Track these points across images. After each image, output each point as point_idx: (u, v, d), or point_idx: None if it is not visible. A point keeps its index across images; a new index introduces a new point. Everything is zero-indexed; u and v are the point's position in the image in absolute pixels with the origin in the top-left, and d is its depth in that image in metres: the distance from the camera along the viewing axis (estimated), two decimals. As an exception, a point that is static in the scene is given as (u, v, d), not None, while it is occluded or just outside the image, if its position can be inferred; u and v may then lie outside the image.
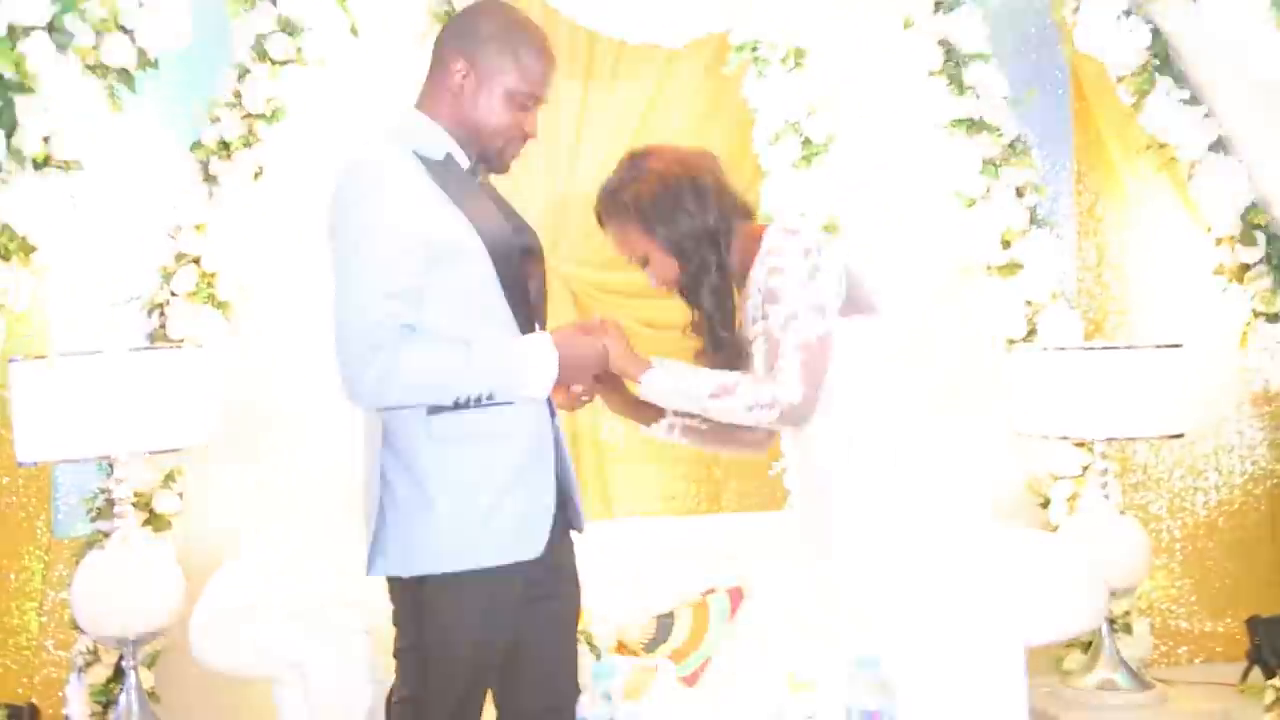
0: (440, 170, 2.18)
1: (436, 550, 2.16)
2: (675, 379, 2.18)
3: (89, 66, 3.04)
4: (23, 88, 2.82)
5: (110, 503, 3.32)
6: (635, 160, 2.32)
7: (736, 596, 3.29)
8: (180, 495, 3.50)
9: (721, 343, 2.28)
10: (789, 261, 2.15)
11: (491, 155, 2.25)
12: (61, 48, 2.84)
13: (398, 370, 2.07)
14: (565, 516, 2.31)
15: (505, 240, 2.20)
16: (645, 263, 2.29)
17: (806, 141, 3.88)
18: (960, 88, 3.59)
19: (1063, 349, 3.47)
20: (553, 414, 2.29)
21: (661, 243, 2.24)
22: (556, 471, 2.25)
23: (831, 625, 2.35)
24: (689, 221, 2.22)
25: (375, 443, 2.23)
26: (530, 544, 2.19)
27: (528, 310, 2.24)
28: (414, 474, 2.17)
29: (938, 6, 3.58)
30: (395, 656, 2.29)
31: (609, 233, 2.32)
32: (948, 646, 2.43)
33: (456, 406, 2.12)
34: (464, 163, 2.23)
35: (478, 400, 2.12)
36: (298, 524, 3.49)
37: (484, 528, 2.16)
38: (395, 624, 2.29)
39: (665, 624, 3.24)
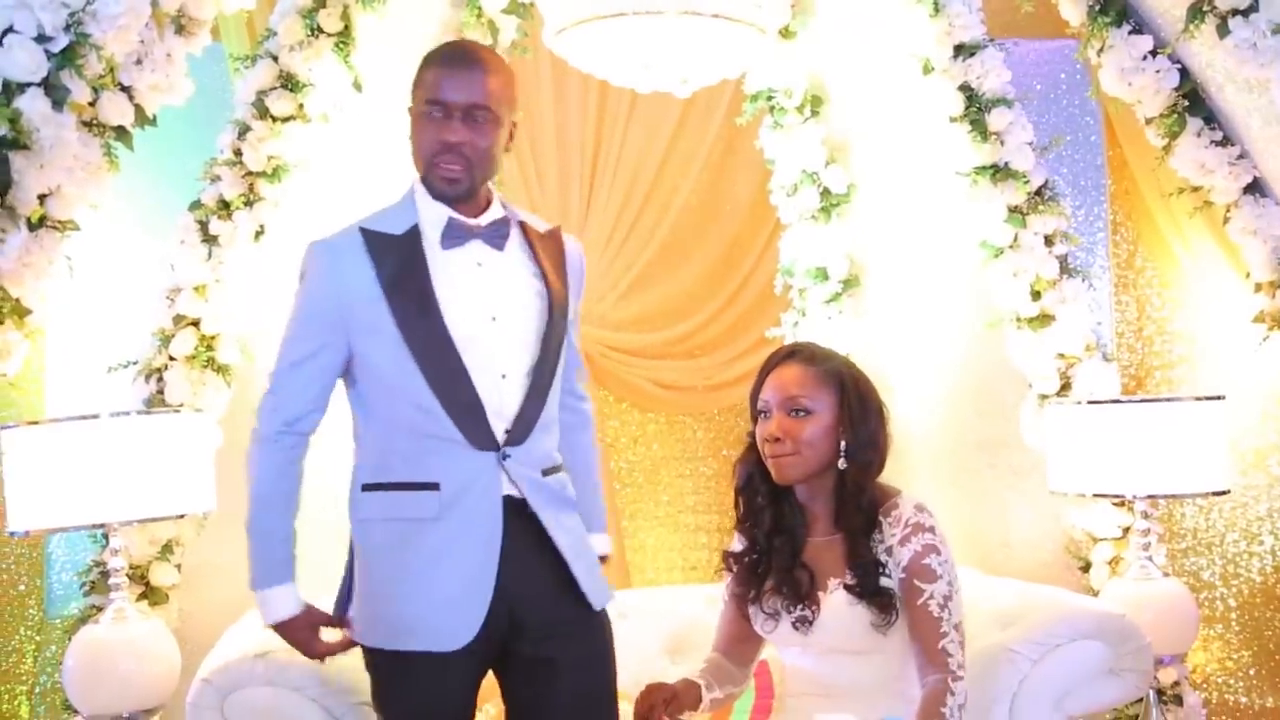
0: (390, 246, 2.29)
1: (364, 619, 2.34)
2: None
3: (85, 123, 3.09)
4: (18, 144, 2.87)
5: (105, 575, 3.31)
6: (826, 350, 2.52)
7: (763, 671, 3.25)
8: (178, 567, 3.51)
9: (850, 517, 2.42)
10: (941, 543, 2.37)
11: (432, 182, 2.33)
12: (58, 104, 2.89)
13: (252, 454, 2.37)
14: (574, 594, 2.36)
15: (430, 333, 2.26)
16: (802, 411, 2.40)
17: (825, 192, 3.95)
18: (983, 134, 3.59)
19: (1097, 402, 3.45)
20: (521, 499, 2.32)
21: (841, 419, 2.40)
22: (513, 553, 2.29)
23: (860, 693, 2.39)
24: (873, 425, 2.42)
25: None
26: (450, 635, 2.24)
27: (468, 409, 2.27)
28: (359, 551, 2.37)
29: (958, 51, 3.59)
30: None
31: (789, 371, 2.43)
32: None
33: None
34: (436, 230, 2.31)
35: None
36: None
37: (399, 611, 2.26)
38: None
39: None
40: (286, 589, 2.38)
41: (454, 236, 2.31)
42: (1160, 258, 4.23)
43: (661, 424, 4.52)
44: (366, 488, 2.34)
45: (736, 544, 2.55)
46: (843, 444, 2.39)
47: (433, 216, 2.31)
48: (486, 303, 2.29)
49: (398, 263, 2.26)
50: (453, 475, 2.26)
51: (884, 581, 2.35)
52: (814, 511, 2.46)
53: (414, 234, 2.29)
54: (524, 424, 2.31)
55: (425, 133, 2.30)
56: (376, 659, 2.37)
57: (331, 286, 2.29)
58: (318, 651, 2.43)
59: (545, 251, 2.39)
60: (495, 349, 2.29)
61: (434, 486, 2.26)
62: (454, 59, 2.32)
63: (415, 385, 2.25)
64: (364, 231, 2.31)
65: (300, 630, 2.41)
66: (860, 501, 2.39)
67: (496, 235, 2.34)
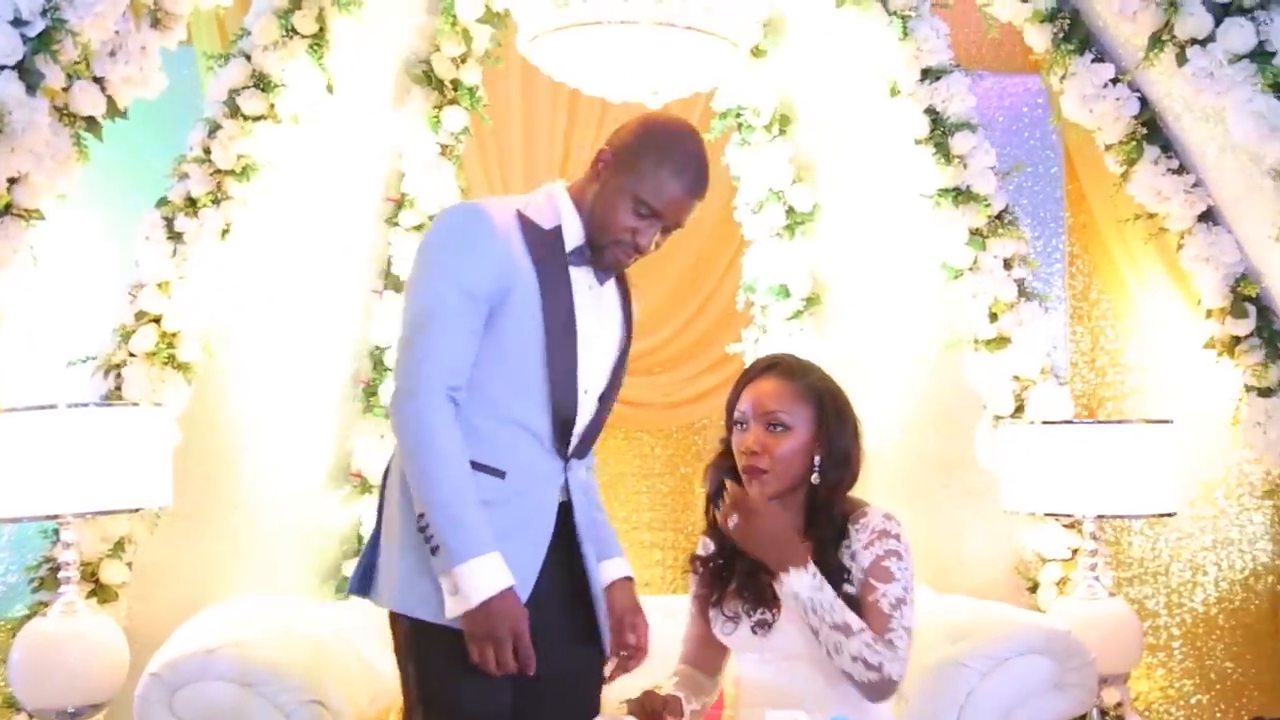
0: (541, 239, 2.29)
1: (421, 593, 2.22)
2: (816, 589, 2.33)
3: (56, 109, 3.10)
4: (-11, 125, 2.87)
5: (54, 570, 3.28)
6: (806, 363, 2.55)
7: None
8: (129, 565, 3.49)
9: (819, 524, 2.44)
10: (904, 551, 2.40)
11: (598, 249, 2.34)
12: (31, 89, 2.90)
13: (420, 415, 2.17)
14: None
15: (565, 333, 2.27)
16: (780, 426, 2.42)
17: (790, 210, 4.00)
18: (947, 157, 3.65)
19: (1050, 423, 3.50)
20: (571, 502, 2.36)
21: (818, 435, 2.43)
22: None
23: (815, 703, 2.39)
24: (848, 442, 2.45)
25: (384, 473, 2.36)
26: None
27: (567, 413, 2.30)
28: (401, 519, 2.25)
29: (925, 75, 3.67)
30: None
31: (768, 384, 2.46)
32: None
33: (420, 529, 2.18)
34: (571, 243, 2.33)
35: (425, 537, 2.17)
36: (253, 591, 3.50)
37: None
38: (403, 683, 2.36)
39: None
40: (495, 557, 2.15)
41: (580, 255, 2.35)
42: (1115, 290, 4.32)
43: (620, 440, 4.52)
44: None
45: (702, 548, 2.58)
46: (817, 459, 2.43)
47: (571, 231, 2.35)
48: (595, 322, 2.36)
49: (548, 257, 2.29)
50: (523, 468, 2.28)
51: (847, 589, 2.37)
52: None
53: (558, 235, 2.33)
54: (587, 441, 2.40)
55: (625, 219, 2.31)
56: (440, 634, 2.21)
57: (496, 257, 2.25)
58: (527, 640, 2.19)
59: (623, 291, 2.49)
60: (590, 366, 2.35)
61: (500, 474, 2.26)
62: (694, 188, 2.34)
63: (533, 376, 2.27)
64: (520, 216, 2.32)
65: (518, 605, 2.18)
66: (831, 514, 2.42)
67: (603, 268, 2.41)
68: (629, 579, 2.48)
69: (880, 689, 2.30)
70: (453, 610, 2.16)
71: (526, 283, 2.26)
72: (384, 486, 2.37)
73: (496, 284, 2.24)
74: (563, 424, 2.31)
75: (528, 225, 2.30)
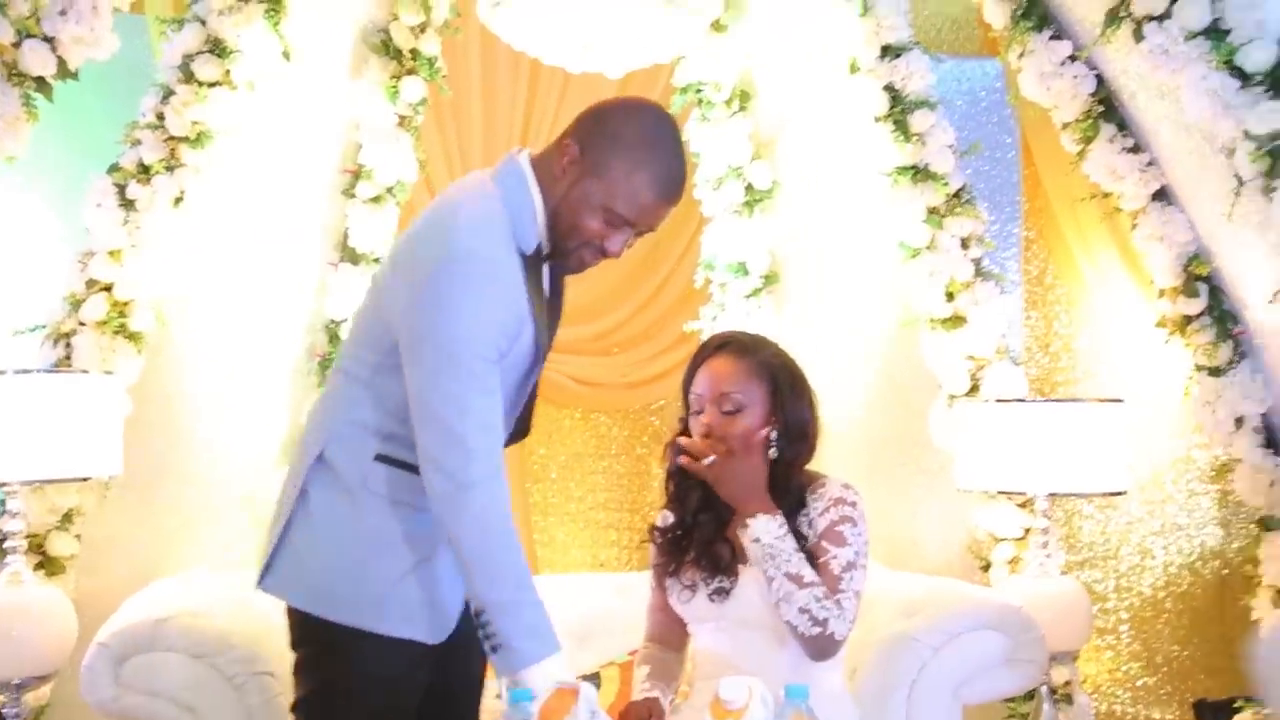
0: (529, 267, 2.13)
1: (323, 590, 2.14)
2: (778, 538, 2.35)
3: (6, 66, 3.05)
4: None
5: (0, 540, 3.23)
6: (758, 339, 2.55)
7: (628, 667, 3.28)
8: (78, 538, 3.46)
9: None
10: (859, 518, 2.43)
11: (561, 251, 2.19)
12: (-20, 41, 2.85)
13: (480, 500, 2.02)
14: None
15: (539, 353, 2.18)
16: (734, 408, 2.42)
17: (749, 187, 3.99)
18: (906, 135, 3.66)
19: (1004, 400, 3.53)
20: None
21: (773, 410, 2.44)
22: None
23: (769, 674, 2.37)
24: (804, 415, 2.46)
25: (307, 458, 2.20)
26: (437, 626, 2.18)
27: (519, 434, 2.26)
28: (335, 509, 2.15)
29: (885, 52, 3.68)
30: (293, 710, 2.25)
31: (721, 364, 2.45)
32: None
33: (476, 615, 2.04)
34: (543, 249, 2.18)
35: (484, 631, 2.02)
36: (204, 566, 3.47)
37: (391, 593, 2.14)
38: (295, 671, 2.25)
39: (591, 683, 3.22)
40: (559, 657, 2.07)
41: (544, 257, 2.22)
42: (1069, 275, 4.35)
43: (577, 420, 4.52)
44: (380, 458, 2.16)
45: (661, 520, 2.59)
46: (774, 434, 2.44)
47: (541, 234, 2.18)
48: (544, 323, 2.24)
49: (534, 281, 2.15)
50: None
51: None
52: None
53: (539, 255, 2.17)
54: (515, 439, 2.33)
55: (595, 226, 2.14)
56: (338, 634, 2.14)
57: (513, 301, 2.09)
58: None
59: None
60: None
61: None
62: (671, 192, 2.18)
63: (505, 407, 2.15)
64: (520, 253, 2.14)
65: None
66: (789, 485, 2.44)
67: (568, 270, 2.29)
68: None
69: (822, 645, 2.33)
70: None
71: (521, 316, 2.12)
72: (306, 475, 2.18)
73: (515, 326, 2.12)
74: (511, 425, 2.25)
75: (520, 256, 2.13)
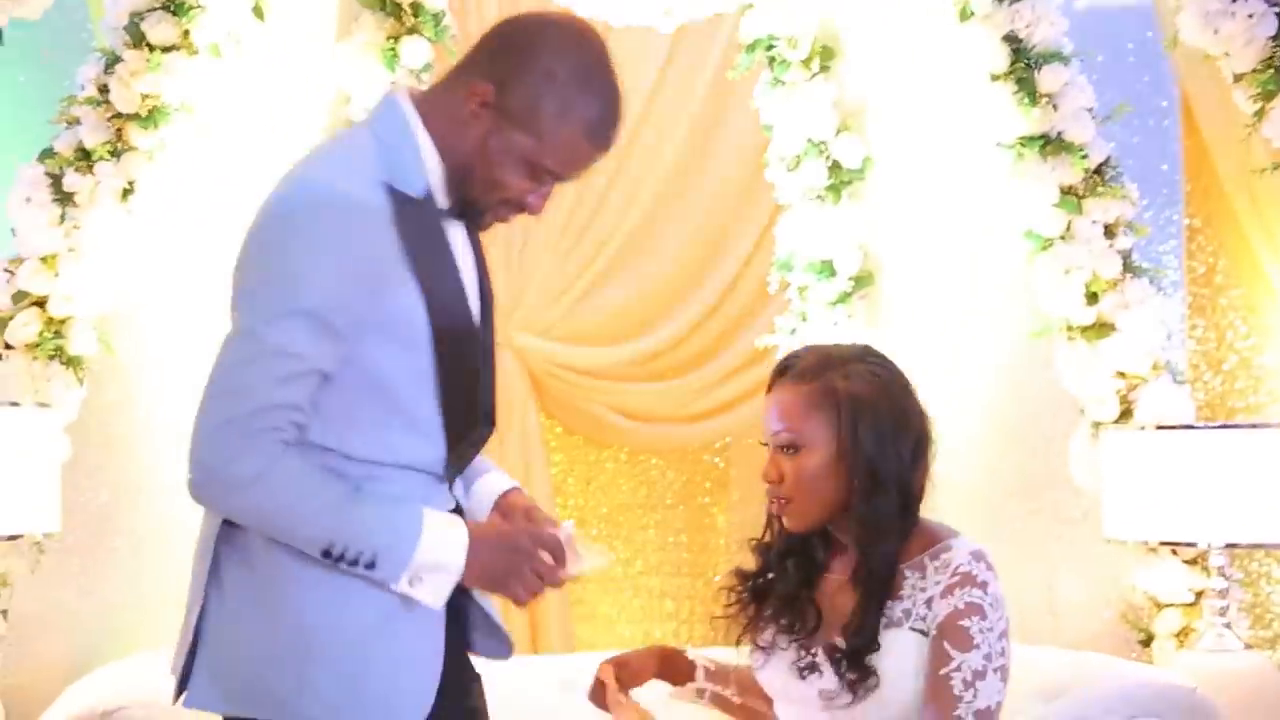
0: (411, 213, 2.10)
1: (245, 683, 2.07)
2: None
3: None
4: None
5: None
6: (833, 355, 2.40)
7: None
8: (4, 614, 3.45)
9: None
10: (991, 605, 2.26)
11: (474, 211, 2.19)
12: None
13: (271, 477, 2.00)
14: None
15: (462, 324, 2.16)
16: (789, 445, 2.34)
17: (835, 167, 3.97)
18: (1032, 96, 3.63)
19: (1166, 427, 3.49)
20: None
21: (845, 456, 2.31)
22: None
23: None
24: (887, 454, 2.31)
25: (210, 530, 2.15)
26: (411, 708, 2.09)
27: (465, 428, 2.19)
28: (249, 585, 2.09)
29: (1003, -8, 3.69)
30: None
31: (781, 392, 2.37)
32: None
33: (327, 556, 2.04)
34: (441, 203, 2.16)
35: (351, 563, 2.01)
36: (160, 646, 3.41)
37: (329, 678, 2.05)
38: None
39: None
40: (429, 514, 2.07)
41: (448, 215, 2.19)
42: (1245, 272, 4.26)
43: (622, 463, 4.54)
44: None
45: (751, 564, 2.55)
46: (855, 480, 2.32)
47: (436, 184, 2.16)
48: (474, 293, 2.23)
49: (431, 242, 2.13)
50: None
51: (914, 628, 2.27)
52: (841, 542, 2.40)
53: (428, 201, 2.14)
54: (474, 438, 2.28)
55: (515, 181, 2.12)
56: None
57: (349, 261, 2.05)
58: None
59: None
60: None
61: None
62: (617, 133, 2.18)
63: (422, 401, 2.12)
64: (389, 189, 2.10)
65: (491, 525, 2.17)
66: (872, 553, 2.31)
67: (480, 228, 2.29)
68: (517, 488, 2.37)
69: None
70: (443, 594, 2.06)
71: (397, 277, 2.08)
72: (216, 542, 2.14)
73: (353, 297, 2.06)
74: (459, 444, 2.17)
75: (396, 198, 2.09)
